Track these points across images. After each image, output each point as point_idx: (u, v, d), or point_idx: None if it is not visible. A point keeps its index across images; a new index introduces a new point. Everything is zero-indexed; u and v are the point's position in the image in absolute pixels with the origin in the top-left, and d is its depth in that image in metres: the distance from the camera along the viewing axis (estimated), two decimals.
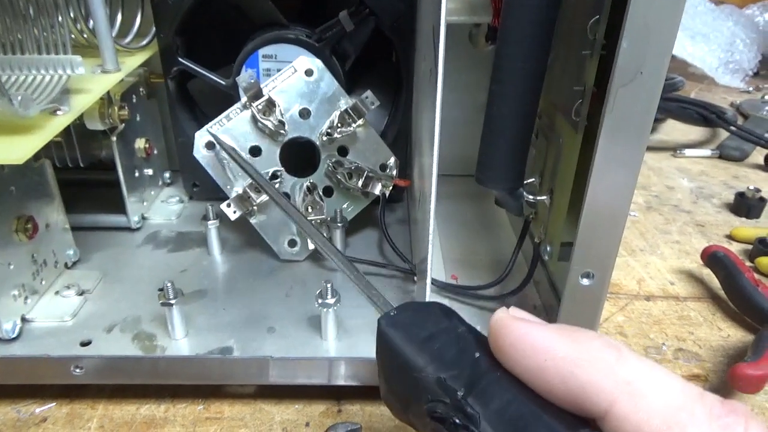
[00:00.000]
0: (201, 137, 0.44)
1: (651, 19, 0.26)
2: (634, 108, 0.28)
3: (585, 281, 0.33)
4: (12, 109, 0.32)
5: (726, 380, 0.39)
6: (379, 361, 0.24)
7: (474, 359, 0.21)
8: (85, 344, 0.38)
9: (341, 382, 0.38)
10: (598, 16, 0.30)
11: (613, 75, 0.27)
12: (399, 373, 0.23)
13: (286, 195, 0.47)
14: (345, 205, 0.48)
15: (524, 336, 0.20)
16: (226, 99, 0.48)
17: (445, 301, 0.43)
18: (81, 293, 0.43)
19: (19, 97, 0.32)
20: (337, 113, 0.45)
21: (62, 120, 0.36)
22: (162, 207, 0.55)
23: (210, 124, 0.44)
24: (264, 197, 0.45)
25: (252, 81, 0.42)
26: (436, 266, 0.47)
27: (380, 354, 0.24)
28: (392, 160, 0.47)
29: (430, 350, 0.22)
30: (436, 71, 0.29)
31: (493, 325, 0.21)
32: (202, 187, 0.55)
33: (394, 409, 0.24)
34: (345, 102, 0.45)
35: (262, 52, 0.48)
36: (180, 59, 0.49)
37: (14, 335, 0.38)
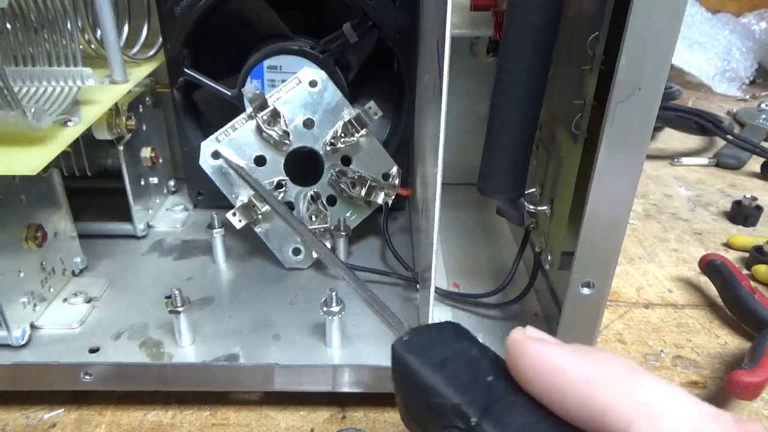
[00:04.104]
0: (207, 147, 0.45)
1: (649, 36, 0.27)
2: (632, 122, 0.28)
3: (585, 290, 0.33)
4: (26, 120, 0.33)
5: (723, 387, 0.40)
6: (396, 386, 0.24)
7: (487, 383, 0.21)
8: (93, 351, 0.39)
9: (345, 388, 0.39)
10: (597, 33, 0.31)
11: (612, 91, 0.28)
12: (416, 397, 0.23)
13: (290, 204, 0.48)
14: (348, 214, 0.49)
15: (541, 356, 0.20)
16: (231, 109, 0.49)
17: (447, 309, 0.44)
18: (88, 300, 0.43)
19: (32, 109, 0.33)
20: (340, 123, 0.45)
21: (73, 131, 0.37)
22: (167, 215, 0.56)
23: (216, 134, 0.45)
24: (269, 206, 0.45)
25: (257, 92, 0.43)
26: (438, 274, 0.47)
27: (397, 378, 0.24)
28: (395, 170, 0.48)
29: (445, 374, 0.22)
30: (440, 84, 0.30)
31: (510, 346, 0.21)
32: (207, 196, 0.56)
33: None
34: (348, 112, 0.46)
35: (266, 63, 0.49)
36: (186, 70, 0.50)
37: (23, 342, 0.39)
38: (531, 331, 0.22)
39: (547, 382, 0.20)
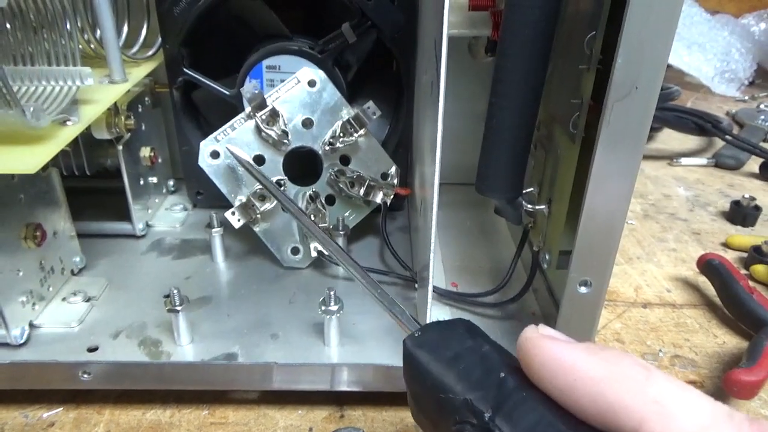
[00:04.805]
0: (206, 146, 0.45)
1: (645, 35, 0.27)
2: (629, 121, 0.29)
3: (583, 289, 0.34)
4: (24, 119, 0.33)
5: (721, 386, 0.40)
6: (407, 382, 0.24)
7: (500, 379, 0.21)
8: (92, 350, 0.39)
9: (344, 387, 0.39)
10: (594, 32, 0.31)
11: (608, 90, 0.28)
12: (426, 393, 0.23)
13: None
14: (347, 214, 0.49)
15: (554, 355, 0.20)
16: (230, 109, 0.49)
17: (445, 308, 0.44)
18: (87, 300, 0.43)
19: (32, 108, 0.33)
20: (339, 123, 0.46)
21: (72, 130, 0.37)
22: (166, 215, 0.56)
23: (214, 133, 0.45)
24: (268, 205, 0.46)
25: (256, 91, 0.43)
26: (436, 274, 0.48)
27: (407, 375, 0.24)
28: (393, 169, 0.48)
29: (456, 370, 0.22)
30: (437, 83, 0.30)
31: (523, 344, 0.21)
32: (206, 195, 0.56)
33: (425, 429, 0.24)
34: (347, 112, 0.46)
35: (265, 63, 0.49)
36: (185, 69, 0.50)
37: (22, 341, 0.39)
38: (544, 329, 0.22)
39: (559, 380, 0.20)
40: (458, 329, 0.24)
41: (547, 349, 0.21)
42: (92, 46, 0.47)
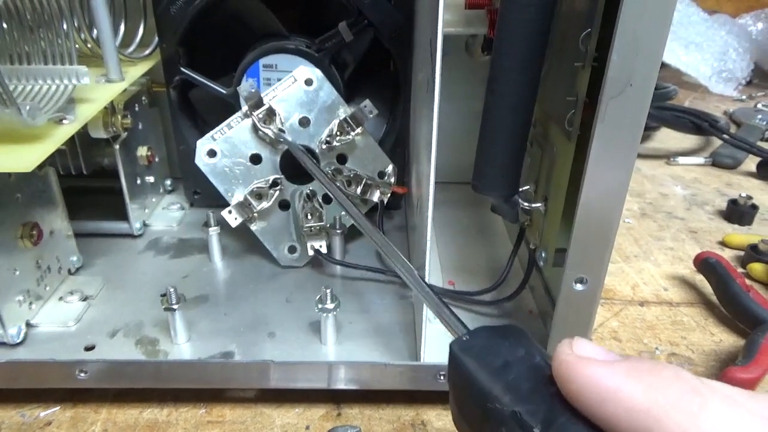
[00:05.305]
0: (203, 145, 0.45)
1: (640, 32, 0.27)
2: (624, 118, 0.29)
3: (579, 286, 0.34)
4: (20, 118, 0.33)
5: None
6: (451, 386, 0.23)
7: (550, 394, 0.20)
8: (89, 349, 0.39)
9: (341, 385, 0.39)
10: (589, 30, 0.31)
11: (603, 87, 0.28)
12: (472, 401, 0.22)
13: (286, 202, 0.48)
14: (344, 212, 0.49)
15: (592, 381, 0.18)
16: (227, 108, 0.49)
17: None
18: (84, 299, 0.43)
19: (27, 107, 0.33)
20: (336, 122, 0.46)
21: (68, 129, 0.37)
22: (163, 214, 0.56)
23: (211, 132, 0.45)
24: (265, 204, 0.46)
25: (253, 90, 0.43)
26: (433, 272, 0.48)
27: (452, 379, 0.23)
28: (390, 168, 0.48)
29: (505, 380, 0.21)
30: (433, 82, 0.30)
31: (558, 368, 0.20)
32: (203, 195, 0.56)
33: None
34: (344, 111, 0.46)
35: (262, 61, 0.49)
36: (182, 69, 0.50)
37: (19, 340, 0.39)
38: (579, 347, 0.20)
39: (599, 409, 0.18)
40: (508, 336, 0.23)
41: (583, 374, 0.19)
42: (89, 45, 0.47)
